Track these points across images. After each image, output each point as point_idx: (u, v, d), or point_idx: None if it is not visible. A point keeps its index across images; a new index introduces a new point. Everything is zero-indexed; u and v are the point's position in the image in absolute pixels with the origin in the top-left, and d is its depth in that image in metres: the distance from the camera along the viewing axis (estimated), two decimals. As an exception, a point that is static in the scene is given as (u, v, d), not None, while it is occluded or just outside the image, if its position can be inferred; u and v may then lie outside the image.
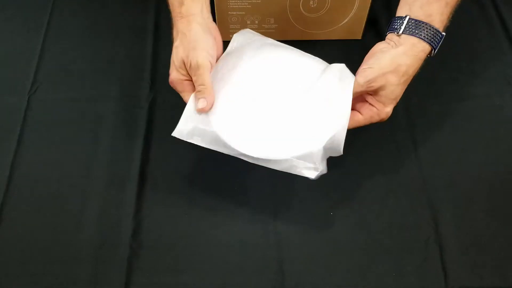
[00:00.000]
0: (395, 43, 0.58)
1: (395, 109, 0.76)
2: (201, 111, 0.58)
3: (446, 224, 0.66)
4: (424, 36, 0.56)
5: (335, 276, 0.62)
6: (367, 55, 0.61)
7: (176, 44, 0.60)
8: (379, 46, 0.60)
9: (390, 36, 0.59)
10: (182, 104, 0.77)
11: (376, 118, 0.60)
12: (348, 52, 0.83)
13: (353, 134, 0.74)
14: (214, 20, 0.80)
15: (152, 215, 0.67)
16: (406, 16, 0.58)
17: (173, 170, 0.71)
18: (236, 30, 0.81)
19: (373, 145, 0.73)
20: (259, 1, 0.77)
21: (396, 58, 0.57)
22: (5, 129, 0.74)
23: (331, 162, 0.61)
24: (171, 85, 0.61)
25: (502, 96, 0.79)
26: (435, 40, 0.57)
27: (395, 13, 0.77)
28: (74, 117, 0.76)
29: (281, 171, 0.59)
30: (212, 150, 0.73)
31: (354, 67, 0.82)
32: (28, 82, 0.79)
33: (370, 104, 0.60)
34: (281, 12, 0.79)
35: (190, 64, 0.57)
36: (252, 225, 0.66)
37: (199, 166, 0.71)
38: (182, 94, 0.61)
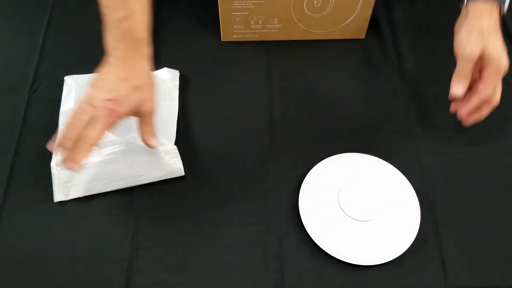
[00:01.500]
0: (466, 12, 0.64)
1: (395, 110, 0.77)
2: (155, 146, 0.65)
3: (446, 224, 0.66)
4: None
5: (335, 275, 0.62)
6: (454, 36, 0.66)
7: (136, 85, 0.58)
8: (457, 22, 0.66)
9: (462, 9, 0.65)
10: (181, 104, 0.77)
11: (496, 80, 0.63)
12: (351, 52, 0.84)
13: (353, 135, 0.74)
14: (218, 20, 0.80)
15: (152, 215, 0.67)
16: None
17: (173, 170, 0.71)
18: (240, 30, 0.82)
19: (373, 146, 0.73)
20: (263, 1, 0.77)
21: (470, 27, 0.62)
22: (5, 129, 0.74)
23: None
24: (112, 114, 0.57)
25: (502, 96, 0.78)
26: None
27: (395, 13, 0.78)
28: (74, 117, 0.76)
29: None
30: (212, 149, 0.73)
31: (357, 67, 0.82)
32: (28, 81, 0.79)
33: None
34: (285, 12, 0.79)
35: (147, 109, 0.61)
36: (252, 225, 0.66)
37: (200, 166, 0.71)
38: (107, 123, 0.57)
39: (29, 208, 0.67)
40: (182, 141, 0.73)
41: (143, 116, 0.61)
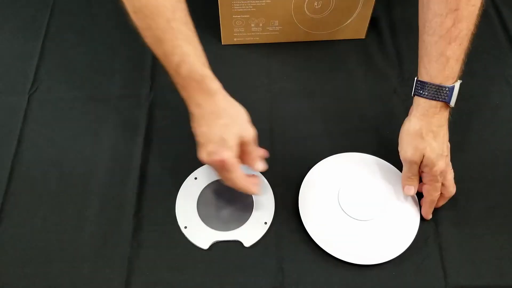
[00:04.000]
0: (413, 105, 0.64)
1: (395, 110, 0.77)
2: (263, 170, 0.62)
3: (446, 224, 0.66)
4: (427, 95, 0.61)
5: (335, 275, 0.62)
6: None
7: (225, 121, 0.57)
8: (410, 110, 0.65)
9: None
10: (181, 104, 0.77)
11: (436, 182, 0.63)
12: (351, 52, 0.84)
13: (353, 135, 0.74)
14: (218, 23, 0.80)
15: (152, 214, 0.67)
16: (415, 78, 0.63)
17: (173, 169, 0.71)
18: (241, 33, 0.82)
19: (373, 146, 0.73)
20: (264, 3, 0.77)
21: (410, 129, 0.62)
22: (5, 129, 0.74)
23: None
24: (221, 165, 0.57)
25: (502, 96, 0.79)
26: (440, 95, 0.60)
27: (395, 11, 0.77)
28: (74, 116, 0.76)
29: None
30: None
31: (357, 67, 0.82)
32: (28, 81, 0.79)
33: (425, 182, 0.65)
34: (285, 14, 0.79)
35: (247, 138, 0.59)
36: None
37: (199, 166, 0.71)
38: (232, 174, 0.58)
39: (29, 208, 0.67)
40: (181, 141, 0.73)
41: (245, 145, 0.59)
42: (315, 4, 0.77)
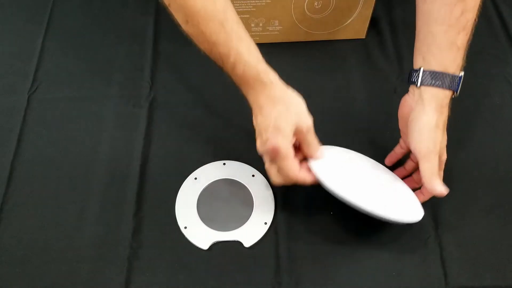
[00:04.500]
0: (419, 95, 0.61)
1: (395, 110, 0.77)
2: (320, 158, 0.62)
3: (446, 223, 0.66)
4: (441, 85, 0.59)
5: (335, 275, 0.62)
6: (400, 113, 0.65)
7: (280, 109, 0.57)
8: (407, 101, 0.63)
9: (412, 88, 0.62)
10: (181, 104, 0.77)
11: (441, 170, 0.63)
12: (352, 52, 0.84)
13: (353, 135, 0.74)
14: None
15: (152, 214, 0.67)
16: (420, 69, 0.60)
17: (173, 169, 0.71)
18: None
19: (373, 145, 0.73)
20: (264, 3, 0.77)
21: (431, 123, 0.59)
22: (5, 129, 0.74)
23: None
24: (274, 152, 0.56)
25: (502, 96, 0.79)
26: (452, 84, 0.60)
27: (395, 11, 0.77)
28: (74, 116, 0.76)
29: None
30: (219, 148, 0.73)
31: (357, 66, 0.82)
32: (28, 81, 0.79)
33: None
34: (285, 14, 0.79)
35: (305, 127, 0.58)
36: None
37: (198, 166, 0.71)
38: (284, 162, 0.58)
39: (29, 208, 0.67)
40: (181, 141, 0.73)
41: (302, 135, 0.59)
42: (315, 4, 0.77)
